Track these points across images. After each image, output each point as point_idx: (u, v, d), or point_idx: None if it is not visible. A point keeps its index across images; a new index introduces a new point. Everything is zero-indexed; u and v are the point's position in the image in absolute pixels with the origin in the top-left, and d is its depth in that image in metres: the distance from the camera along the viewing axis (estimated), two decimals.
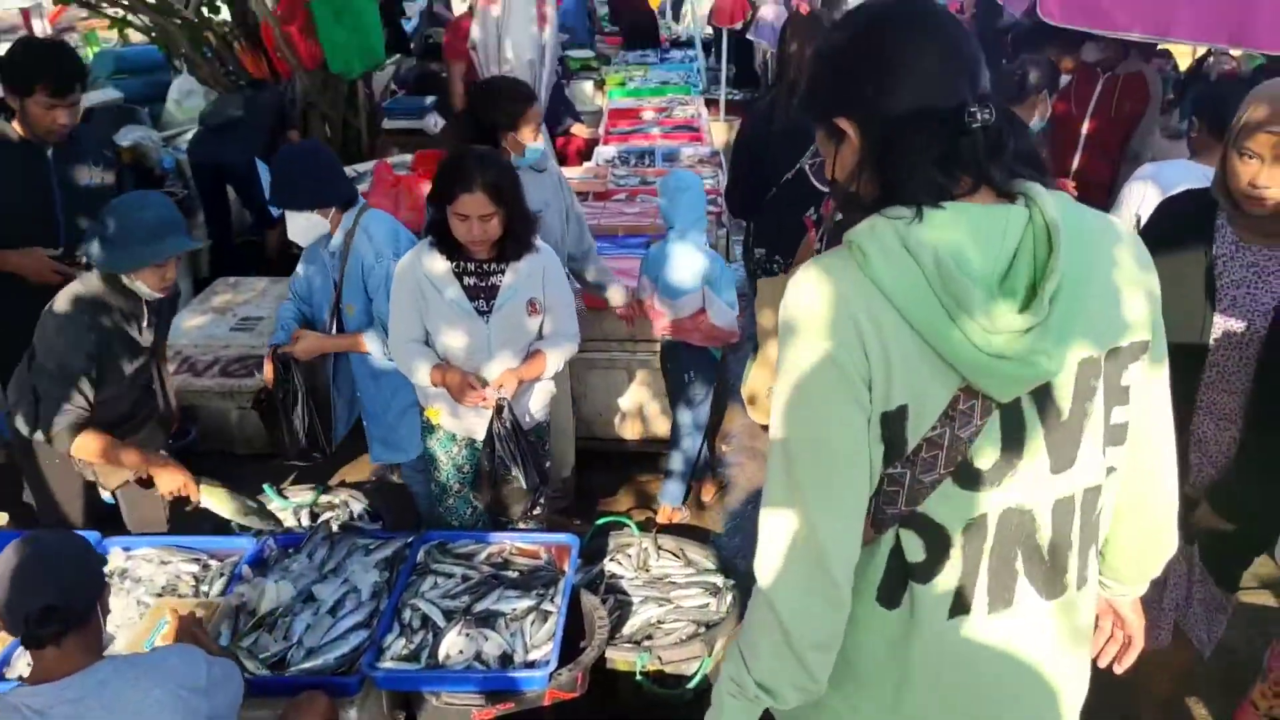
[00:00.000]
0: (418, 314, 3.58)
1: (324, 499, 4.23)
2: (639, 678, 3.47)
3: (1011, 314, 1.32)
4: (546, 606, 3.31)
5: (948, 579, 1.49)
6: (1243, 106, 2.47)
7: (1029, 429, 1.43)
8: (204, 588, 3.44)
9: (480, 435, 3.70)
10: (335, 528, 4.00)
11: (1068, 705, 1.65)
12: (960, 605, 1.51)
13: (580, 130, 8.55)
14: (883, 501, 1.45)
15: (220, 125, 7.08)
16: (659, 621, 3.66)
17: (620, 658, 3.45)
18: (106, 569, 3.51)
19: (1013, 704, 1.60)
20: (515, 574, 3.50)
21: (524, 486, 3.66)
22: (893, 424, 1.40)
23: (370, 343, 3.90)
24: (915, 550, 1.49)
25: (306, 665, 3.06)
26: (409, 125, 8.54)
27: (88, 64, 10.69)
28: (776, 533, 1.45)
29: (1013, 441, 1.43)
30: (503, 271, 3.55)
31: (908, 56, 1.38)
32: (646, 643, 3.55)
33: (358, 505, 4.26)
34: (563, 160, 8.37)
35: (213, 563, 3.62)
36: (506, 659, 3.15)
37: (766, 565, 1.47)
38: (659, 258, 4.50)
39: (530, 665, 3.11)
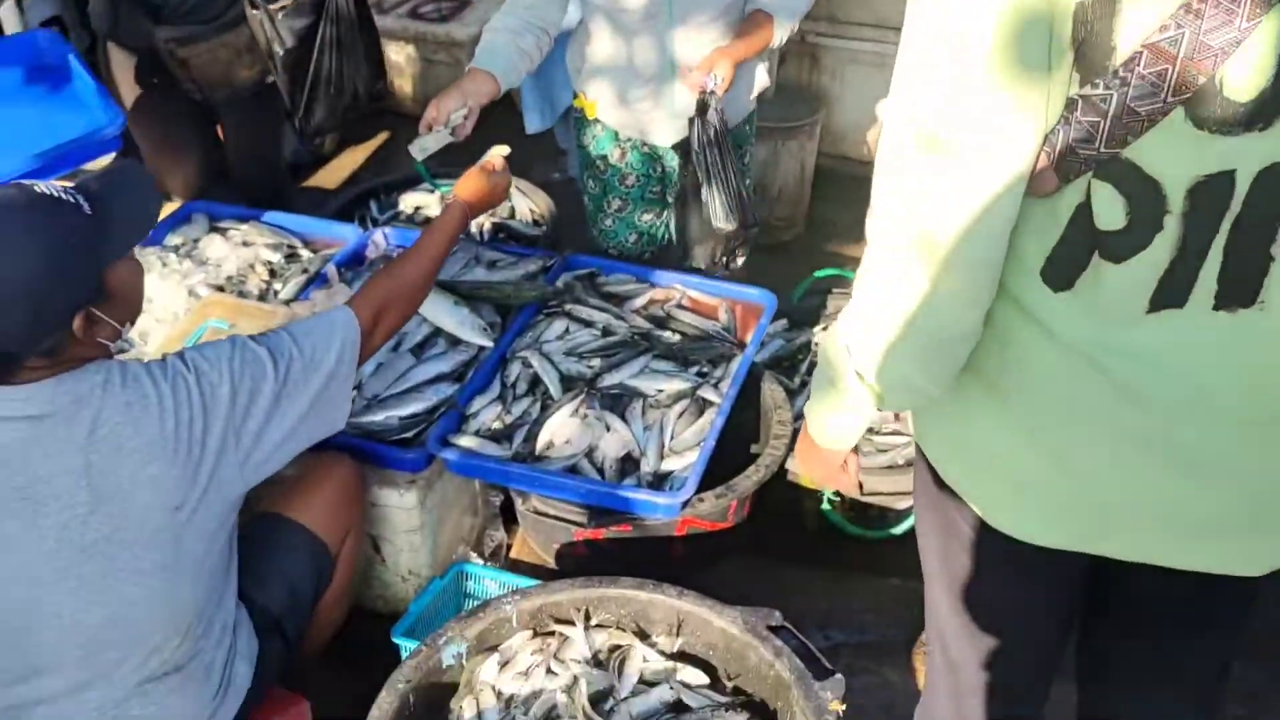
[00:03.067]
0: None
1: None
2: (826, 506, 2.48)
3: None
4: (707, 394, 2.32)
5: (1154, 257, 1.08)
6: None
7: None
8: (276, 285, 2.65)
9: (659, 138, 2.61)
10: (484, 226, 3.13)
11: None
12: (1168, 296, 1.10)
13: None
14: (1072, 137, 1.04)
15: None
16: (872, 431, 2.61)
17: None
18: (175, 241, 2.79)
19: (1217, 466, 1.16)
20: (675, 337, 2.50)
21: (724, 226, 2.56)
22: (1091, 18, 0.99)
23: None
24: (1111, 212, 1.07)
25: (363, 420, 2.23)
26: None
27: None
28: (889, 189, 1.13)
29: None
30: None
31: None
32: None
33: (522, 202, 3.32)
34: None
35: (304, 253, 2.81)
36: (629, 464, 2.21)
37: (879, 231, 1.16)
38: None
39: (660, 480, 2.17)
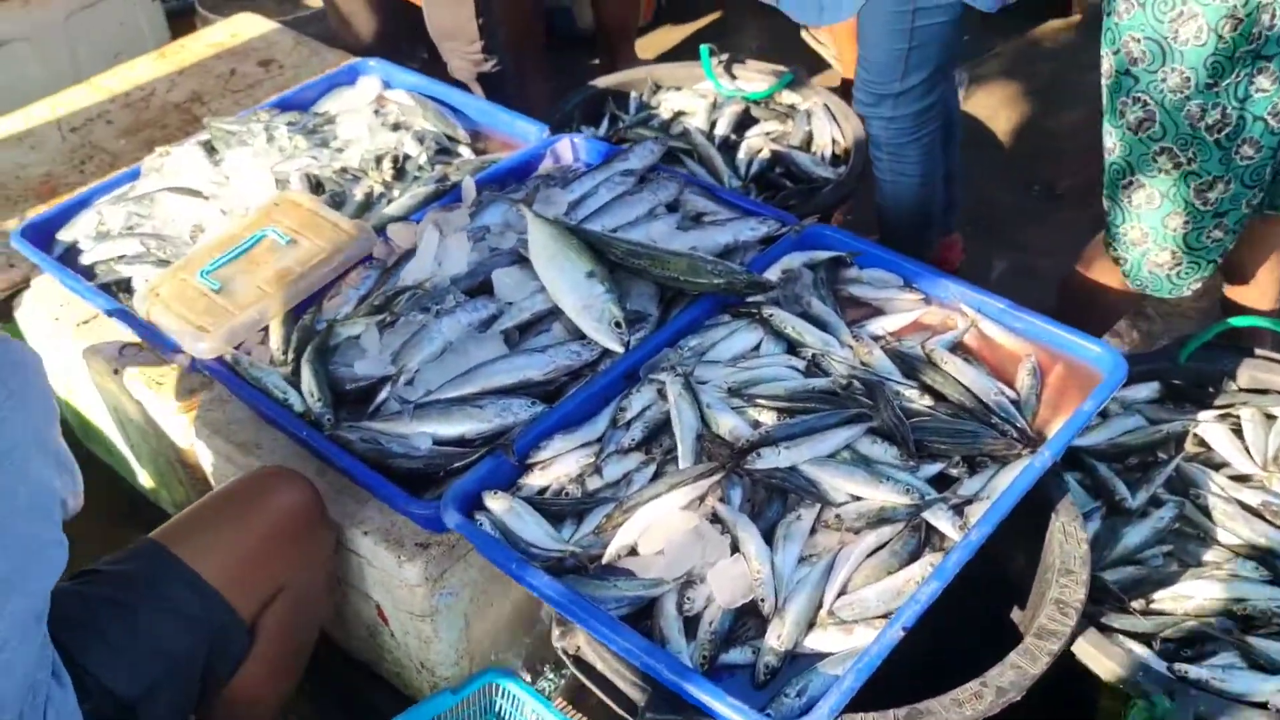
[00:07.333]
0: None
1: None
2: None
3: None
4: (939, 520, 1.31)
5: None
6: None
7: None
8: (395, 191, 1.90)
9: None
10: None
11: None
12: None
13: None
14: None
15: None
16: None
17: (1110, 666, 1.39)
18: (324, 107, 2.13)
19: None
20: (922, 400, 1.48)
21: None
22: None
23: None
24: None
25: (383, 428, 1.44)
26: None
27: None
28: None
29: None
30: None
31: None
32: (1212, 662, 1.44)
33: (825, 128, 2.36)
34: None
35: (465, 151, 2.04)
36: (747, 621, 1.28)
37: None
38: None
39: (790, 666, 1.22)
